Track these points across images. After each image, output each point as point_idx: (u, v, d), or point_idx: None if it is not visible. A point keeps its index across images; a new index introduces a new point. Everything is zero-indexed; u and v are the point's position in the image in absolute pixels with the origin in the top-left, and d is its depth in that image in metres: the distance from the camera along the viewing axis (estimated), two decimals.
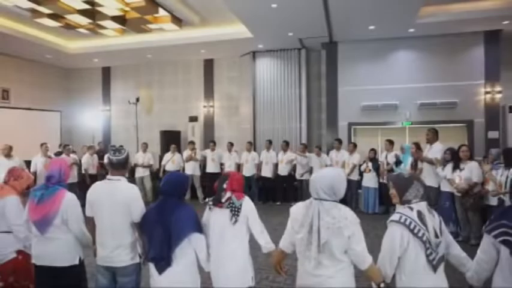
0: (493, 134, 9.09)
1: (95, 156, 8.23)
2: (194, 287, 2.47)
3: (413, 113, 9.49)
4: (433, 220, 2.17)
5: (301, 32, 9.12)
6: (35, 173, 7.13)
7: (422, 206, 2.19)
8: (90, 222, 2.79)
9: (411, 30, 8.86)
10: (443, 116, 9.26)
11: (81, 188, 8.05)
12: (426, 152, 6.13)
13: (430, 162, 5.87)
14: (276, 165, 8.60)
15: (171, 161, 8.79)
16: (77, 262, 2.78)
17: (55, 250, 2.72)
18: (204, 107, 11.81)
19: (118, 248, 2.63)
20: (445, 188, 5.58)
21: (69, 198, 2.78)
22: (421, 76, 9.41)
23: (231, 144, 9.14)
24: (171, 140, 10.91)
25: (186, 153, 9.01)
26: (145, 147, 9.13)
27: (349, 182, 7.68)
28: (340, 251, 2.10)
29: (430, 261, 2.08)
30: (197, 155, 8.78)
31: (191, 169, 8.74)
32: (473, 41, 9.14)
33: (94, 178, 8.01)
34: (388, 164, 7.15)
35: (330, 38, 9.63)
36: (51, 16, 8.02)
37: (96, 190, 2.74)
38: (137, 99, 8.18)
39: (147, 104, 8.27)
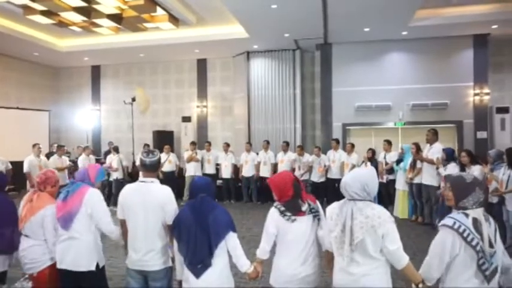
0: (481, 134, 9.41)
1: (92, 157, 8.06)
2: (231, 287, 2.46)
3: (405, 113, 9.72)
4: (489, 228, 2.07)
5: (297, 33, 9.20)
6: (28, 174, 6.91)
7: (479, 212, 2.08)
8: (122, 226, 2.76)
9: (404, 32, 9.07)
10: (435, 116, 9.52)
11: None
12: (426, 152, 6.29)
13: (431, 162, 6.03)
14: (274, 166, 8.63)
15: (168, 162, 8.70)
16: (93, 268, 2.74)
17: (75, 252, 2.70)
18: (197, 107, 11.74)
19: (151, 252, 2.60)
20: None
21: (92, 193, 2.79)
22: (413, 78, 9.65)
23: (227, 145, 9.12)
24: (164, 140, 10.80)
25: (187, 153, 8.94)
26: (148, 148, 8.99)
27: None
28: (375, 250, 2.13)
29: (483, 271, 2.01)
30: (198, 156, 8.73)
31: (193, 170, 8.67)
32: (462, 44, 9.44)
33: None
34: (387, 163, 7.30)
35: (325, 39, 9.75)
36: (45, 13, 7.82)
37: (129, 192, 2.70)
38: (133, 99, 8.06)
39: (143, 104, 8.15)
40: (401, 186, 6.79)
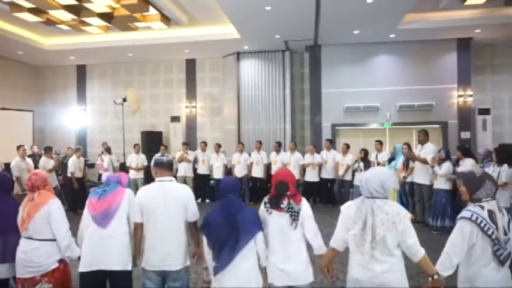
0: (465, 135, 9.75)
1: (82, 159, 7.88)
2: (259, 286, 2.48)
3: (393, 114, 9.97)
4: (503, 218, 2.28)
5: (288, 34, 9.29)
6: (18, 178, 6.64)
7: (493, 204, 2.29)
8: (138, 229, 2.72)
9: (392, 35, 9.31)
10: (421, 117, 9.81)
11: (66, 192, 7.73)
12: (418, 152, 6.49)
13: (424, 161, 6.23)
14: (266, 166, 8.68)
15: None
16: (129, 268, 2.72)
17: (113, 250, 2.64)
18: (186, 107, 11.68)
19: (172, 251, 2.60)
20: (440, 185, 5.94)
21: (130, 193, 2.79)
22: (400, 79, 9.91)
23: (219, 146, 9.12)
24: (152, 140, 10.71)
25: (179, 154, 8.87)
26: (138, 148, 8.89)
27: (343, 181, 8.10)
28: (394, 245, 2.24)
29: (498, 256, 2.21)
30: (190, 156, 8.67)
31: (183, 170, 8.61)
32: (447, 48, 9.76)
33: (81, 181, 7.69)
34: (378, 163, 7.48)
35: (315, 41, 9.89)
36: (32, 11, 7.62)
37: (148, 192, 2.69)
38: (124, 99, 7.94)
39: (135, 105, 8.04)
40: (392, 185, 6.97)
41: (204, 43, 9.87)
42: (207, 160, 8.94)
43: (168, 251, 2.60)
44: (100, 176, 7.76)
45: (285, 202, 2.55)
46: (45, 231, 2.75)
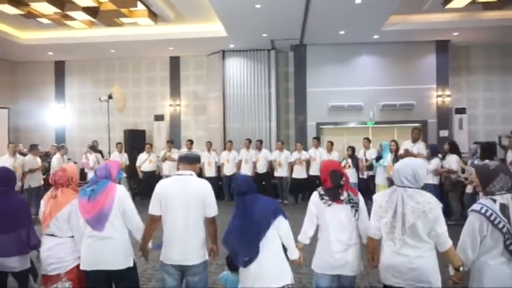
0: (443, 133, 10.16)
1: (65, 157, 7.62)
2: (285, 274, 2.46)
3: (376, 113, 10.25)
4: None
5: (275, 33, 9.36)
6: None
7: (507, 198, 2.26)
8: (154, 222, 2.68)
9: (376, 36, 9.57)
10: (402, 116, 10.15)
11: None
12: (410, 149, 6.74)
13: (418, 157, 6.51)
14: (255, 164, 8.72)
15: (148, 161, 8.47)
16: (131, 264, 2.67)
17: (113, 251, 2.58)
18: (170, 105, 11.53)
19: (191, 246, 2.58)
20: (428, 180, 6.18)
21: (121, 189, 2.70)
22: (382, 79, 10.20)
23: (210, 144, 9.06)
24: (135, 139, 10.51)
25: (163, 152, 8.73)
26: (120, 147, 8.68)
27: None
28: (424, 232, 2.33)
29: (509, 250, 2.21)
30: (174, 155, 8.53)
31: (168, 169, 8.47)
32: (426, 49, 10.15)
33: None
34: (366, 160, 7.67)
35: (301, 40, 10.01)
36: (13, 2, 7.31)
37: (167, 186, 2.66)
38: (109, 97, 7.75)
39: (121, 102, 7.86)
40: (381, 181, 7.17)
41: (190, 40, 9.78)
42: None
43: (187, 245, 2.58)
44: (86, 175, 7.53)
45: (345, 194, 2.61)
46: (66, 230, 2.74)
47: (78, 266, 2.70)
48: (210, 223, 2.75)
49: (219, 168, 9.14)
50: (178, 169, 2.82)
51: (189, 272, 2.60)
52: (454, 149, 6.23)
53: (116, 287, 2.66)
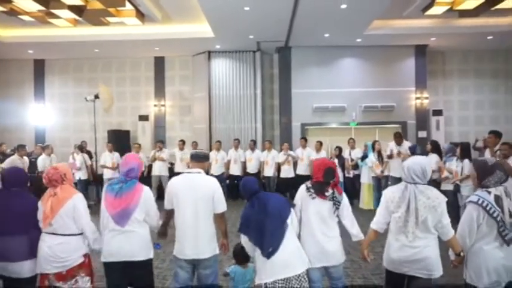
0: (422, 134, 10.61)
1: (53, 156, 7.46)
2: (303, 260, 2.61)
3: (358, 114, 10.57)
4: (510, 203, 2.51)
5: (262, 35, 9.51)
6: None
7: (501, 190, 2.52)
8: (168, 216, 2.81)
9: (358, 40, 9.89)
10: (383, 117, 10.52)
11: (36, 192, 7.28)
12: (395, 150, 7.11)
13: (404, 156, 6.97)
14: (244, 163, 8.82)
15: None
16: (152, 256, 2.78)
17: (134, 243, 2.68)
18: (155, 105, 11.46)
19: (201, 240, 2.70)
20: None
21: (147, 191, 2.79)
22: (365, 82, 10.53)
23: (196, 144, 9.10)
24: (120, 139, 10.39)
25: (152, 152, 8.70)
26: (111, 147, 8.57)
27: None
28: (433, 225, 2.56)
29: (503, 236, 2.47)
30: (164, 154, 8.52)
31: (158, 169, 8.44)
32: (406, 53, 10.57)
33: None
34: (352, 160, 7.93)
35: (286, 42, 10.20)
36: None
37: (177, 184, 2.76)
38: (96, 96, 7.66)
39: (108, 101, 7.78)
40: (366, 180, 7.45)
41: (176, 41, 9.78)
42: (186, 158, 8.85)
43: (198, 240, 2.69)
44: (73, 174, 7.38)
45: (330, 191, 2.76)
46: (69, 226, 2.72)
47: (84, 263, 2.74)
48: (220, 219, 2.86)
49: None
50: (188, 167, 2.92)
51: (200, 265, 2.72)
52: (436, 148, 6.56)
53: (132, 277, 2.73)
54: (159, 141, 8.83)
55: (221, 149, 9.16)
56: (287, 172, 8.59)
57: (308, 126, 10.72)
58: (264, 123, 11.01)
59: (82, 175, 7.59)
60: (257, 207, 2.59)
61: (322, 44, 10.22)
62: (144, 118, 11.13)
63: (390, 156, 7.12)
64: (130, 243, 2.67)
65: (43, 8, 7.48)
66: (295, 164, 8.65)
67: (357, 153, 8.00)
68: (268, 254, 2.48)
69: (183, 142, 8.92)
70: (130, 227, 2.68)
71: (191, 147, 9.06)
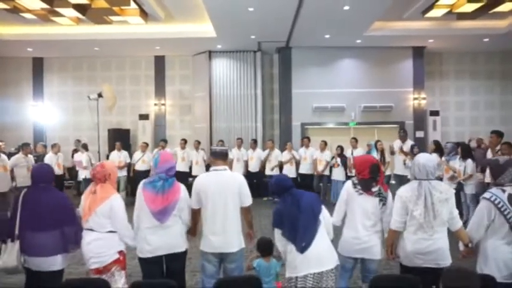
0: (419, 134, 10.80)
1: (60, 154, 7.44)
2: (334, 255, 2.68)
3: (357, 114, 10.72)
4: None
5: (264, 35, 9.59)
6: None
7: None
8: (196, 215, 2.89)
9: (358, 41, 10.02)
10: (382, 117, 10.68)
11: None
12: (397, 148, 7.28)
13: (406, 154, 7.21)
14: (246, 162, 8.90)
15: (141, 161, 8.44)
16: (186, 247, 2.91)
17: (173, 237, 2.80)
18: (155, 105, 11.47)
19: (229, 235, 2.79)
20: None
21: (184, 189, 2.91)
22: (364, 82, 10.68)
23: (198, 143, 9.15)
24: (120, 138, 10.31)
25: (155, 151, 8.72)
26: (119, 146, 8.58)
27: (321, 176, 8.56)
28: (446, 217, 2.69)
29: None
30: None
31: None
32: (404, 54, 10.74)
33: (60, 179, 7.26)
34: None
35: (287, 43, 10.30)
36: None
37: (205, 181, 2.86)
38: (99, 95, 7.66)
39: (111, 100, 7.78)
40: None
41: (178, 40, 9.81)
42: (187, 157, 8.91)
43: (226, 234, 2.79)
44: (77, 172, 7.38)
45: (377, 188, 2.87)
46: (105, 225, 2.80)
47: (118, 259, 2.81)
48: (246, 211, 2.98)
49: (207, 167, 9.22)
50: (209, 164, 3.02)
51: (227, 259, 2.82)
52: (438, 148, 6.72)
53: (167, 268, 2.85)
54: (163, 140, 8.84)
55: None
56: (289, 171, 8.67)
57: (308, 126, 10.83)
58: (264, 122, 11.09)
59: (87, 174, 7.56)
60: (290, 203, 2.66)
61: (322, 45, 10.33)
62: (144, 117, 11.14)
63: (393, 152, 7.31)
64: (170, 236, 2.79)
65: (47, 6, 7.46)
66: (297, 164, 8.74)
67: (359, 152, 8.11)
68: (301, 249, 2.55)
69: (184, 141, 8.95)
70: (169, 223, 2.78)
71: (193, 146, 9.10)
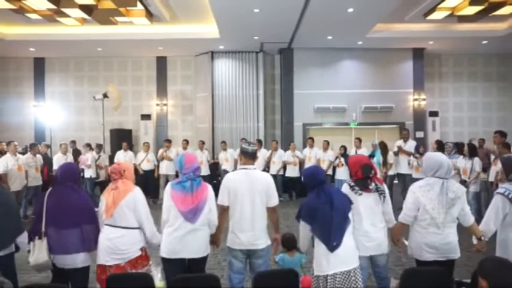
0: (419, 134, 10.95)
1: (69, 155, 7.46)
2: (357, 255, 2.74)
3: (358, 115, 10.86)
4: None
5: (267, 36, 9.67)
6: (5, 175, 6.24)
7: None
8: (224, 212, 2.93)
9: (360, 42, 10.15)
10: (382, 118, 10.82)
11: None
12: (403, 147, 7.43)
13: (410, 154, 7.29)
14: None
15: (146, 160, 8.46)
16: (208, 252, 2.91)
17: (199, 242, 2.80)
18: (157, 105, 11.50)
19: (257, 232, 2.85)
20: (419, 175, 6.75)
21: (211, 188, 2.93)
22: (365, 83, 10.82)
23: (202, 143, 9.20)
24: (122, 138, 10.34)
25: (160, 151, 8.74)
26: (126, 146, 8.58)
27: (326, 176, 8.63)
28: (457, 214, 2.83)
29: None
30: (172, 154, 8.56)
31: (165, 169, 8.49)
32: (404, 56, 10.90)
33: None
34: None
35: (289, 44, 10.39)
36: None
37: (236, 179, 2.90)
38: (104, 95, 7.67)
39: (116, 100, 7.81)
40: None
41: (181, 41, 9.87)
42: None
43: (254, 231, 2.84)
44: (83, 170, 7.37)
45: (372, 184, 2.93)
46: (128, 219, 2.81)
47: (141, 256, 2.84)
48: (272, 212, 3.01)
49: (211, 167, 9.27)
50: (236, 162, 3.07)
51: (254, 255, 2.87)
52: (440, 148, 6.85)
53: (189, 269, 2.84)
54: (167, 141, 8.87)
55: (227, 148, 9.26)
56: (292, 171, 8.77)
57: (309, 126, 10.95)
58: (266, 123, 11.17)
59: (92, 173, 7.58)
60: (324, 199, 2.70)
61: (324, 46, 10.45)
62: (146, 117, 11.16)
63: (396, 153, 7.46)
64: (197, 241, 2.79)
65: (53, 7, 7.46)
66: (301, 164, 8.82)
67: (363, 152, 8.20)
68: (332, 248, 2.61)
69: (186, 142, 8.99)
70: (198, 225, 2.79)
71: (198, 146, 9.15)
